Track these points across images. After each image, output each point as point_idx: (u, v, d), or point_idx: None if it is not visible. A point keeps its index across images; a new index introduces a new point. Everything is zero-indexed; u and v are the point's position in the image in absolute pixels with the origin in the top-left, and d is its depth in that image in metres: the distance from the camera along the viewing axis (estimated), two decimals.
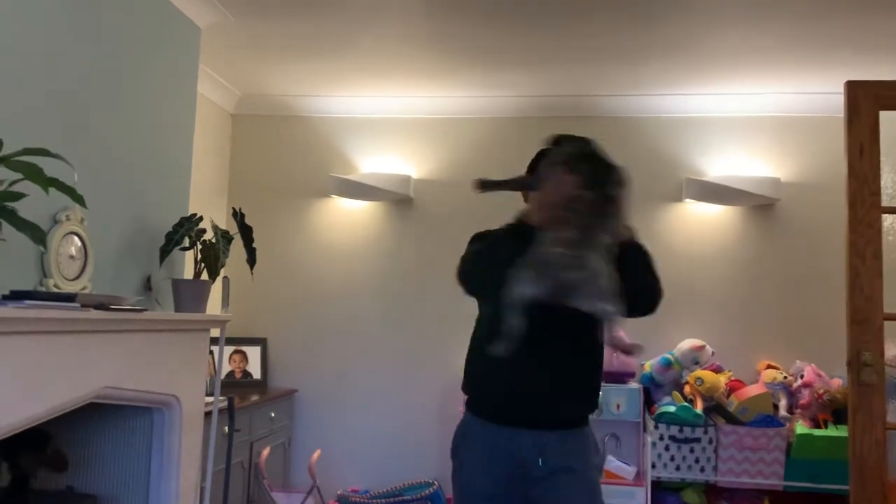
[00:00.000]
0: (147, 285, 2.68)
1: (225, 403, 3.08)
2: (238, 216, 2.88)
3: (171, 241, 2.65)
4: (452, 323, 4.19)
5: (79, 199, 1.78)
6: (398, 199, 4.28)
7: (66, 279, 2.26)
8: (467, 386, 2.07)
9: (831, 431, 3.40)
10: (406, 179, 4.25)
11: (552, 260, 1.71)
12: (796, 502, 3.51)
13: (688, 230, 4.06)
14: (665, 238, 4.06)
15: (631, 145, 4.10)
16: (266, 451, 3.62)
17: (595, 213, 1.77)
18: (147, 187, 2.76)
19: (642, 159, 4.08)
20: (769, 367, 3.77)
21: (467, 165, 4.28)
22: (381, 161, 4.33)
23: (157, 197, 2.82)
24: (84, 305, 1.95)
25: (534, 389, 1.94)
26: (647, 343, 3.84)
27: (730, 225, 4.04)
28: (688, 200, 4.02)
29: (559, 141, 2.02)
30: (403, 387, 4.15)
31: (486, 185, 2.03)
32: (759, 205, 3.98)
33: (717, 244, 4.04)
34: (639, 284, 1.86)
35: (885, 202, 2.61)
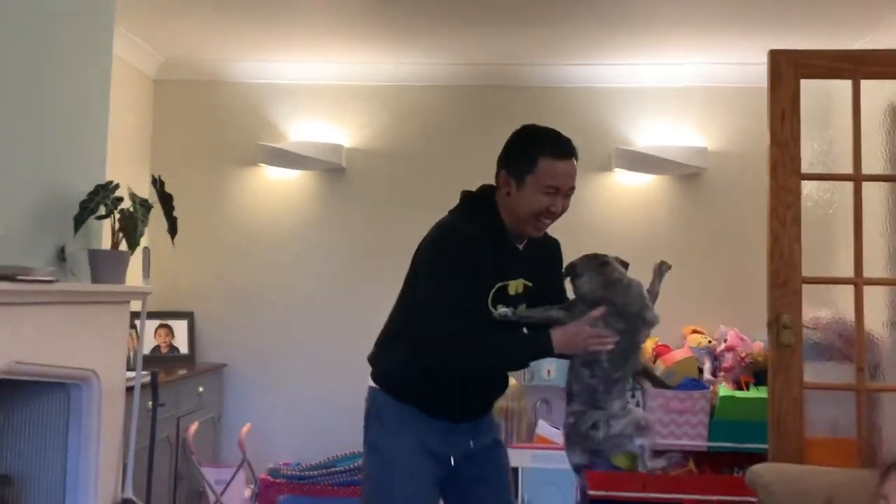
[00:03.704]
0: (61, 256, 2.55)
1: (148, 378, 2.98)
2: (157, 184, 2.77)
3: (86, 210, 2.51)
4: (383, 294, 4.14)
5: None
6: (330, 169, 4.20)
7: None
8: None
9: (753, 393, 3.51)
10: (338, 148, 4.17)
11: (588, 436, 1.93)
12: (719, 462, 3.63)
13: (617, 199, 4.11)
14: (594, 207, 4.10)
15: (562, 114, 4.10)
16: (194, 426, 3.54)
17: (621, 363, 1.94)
18: (59, 154, 2.61)
19: (573, 129, 3.95)
20: (694, 331, 3.87)
21: (401, 134, 4.23)
22: (311, 129, 4.23)
23: (71, 164, 2.68)
24: None
25: None
26: None
27: (657, 194, 4.11)
28: (617, 170, 4.07)
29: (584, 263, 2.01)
30: (335, 359, 4.10)
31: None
32: (687, 174, 4.05)
33: (645, 213, 4.11)
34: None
35: (804, 169, 2.68)
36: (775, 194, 2.64)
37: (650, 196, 4.11)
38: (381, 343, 2.17)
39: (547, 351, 1.89)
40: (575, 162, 1.98)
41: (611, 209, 4.10)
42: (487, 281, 1.94)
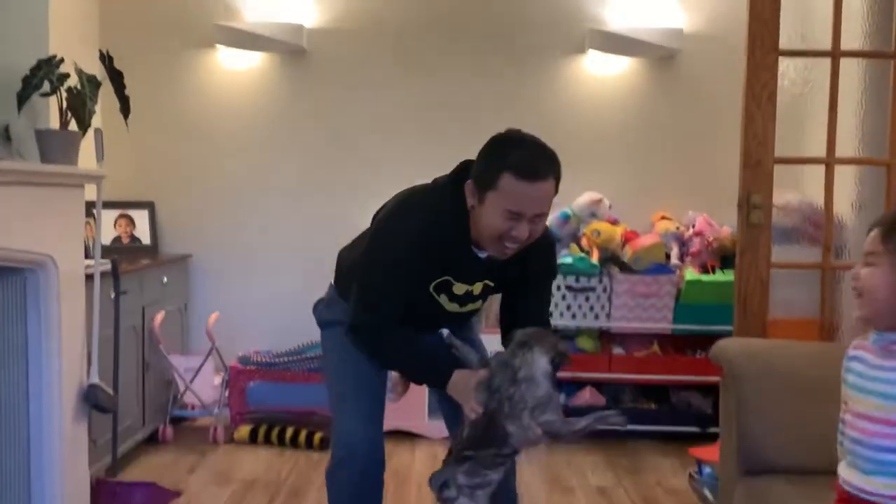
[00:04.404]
0: (5, 135, 2.41)
1: (108, 266, 2.90)
2: (106, 59, 2.61)
3: (29, 86, 2.37)
4: (348, 180, 4.07)
5: None
6: (290, 51, 4.01)
7: None
8: None
9: (718, 277, 3.55)
10: (298, 29, 3.96)
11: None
12: (683, 344, 3.72)
13: (589, 83, 4.01)
14: (567, 91, 4.01)
15: None
16: (159, 316, 3.50)
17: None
18: None
19: (546, 9, 3.96)
20: (663, 218, 3.87)
21: (365, 14, 4.02)
22: (269, 7, 4.00)
23: (9, 39, 2.51)
24: None
25: None
26: None
27: (630, 78, 4.02)
28: (591, 52, 3.95)
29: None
30: (301, 246, 4.05)
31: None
32: (661, 56, 3.95)
33: (618, 97, 4.02)
34: None
35: (781, 46, 2.60)
36: (752, 72, 2.57)
37: (623, 80, 4.01)
38: (345, 254, 2.09)
39: (440, 385, 1.83)
40: (549, 183, 1.70)
41: (582, 93, 4.01)
42: (432, 273, 1.83)
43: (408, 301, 1.84)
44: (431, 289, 1.85)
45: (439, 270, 1.83)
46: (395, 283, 1.80)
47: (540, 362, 1.70)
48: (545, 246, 1.89)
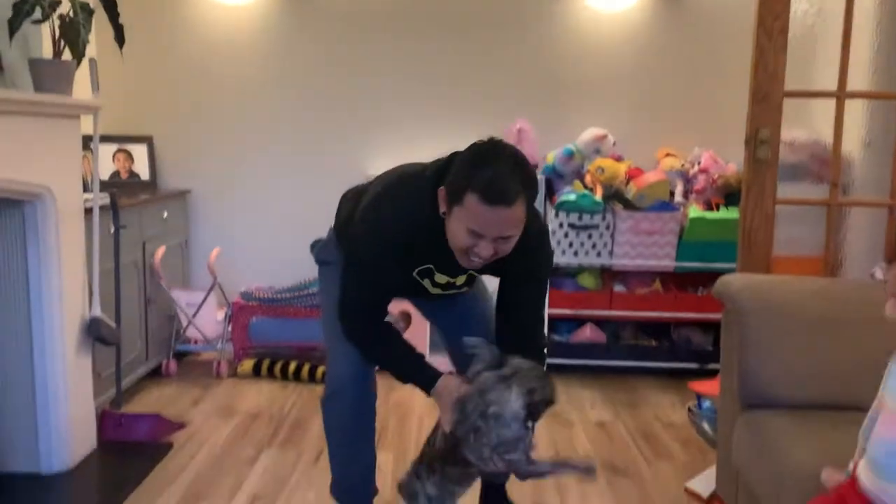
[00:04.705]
0: None
1: (107, 200, 2.88)
2: None
3: (21, 13, 2.30)
4: (351, 115, 4.01)
5: None
6: None
7: None
8: None
9: (723, 214, 3.52)
10: None
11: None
12: (685, 281, 3.71)
13: (595, 16, 3.91)
14: (572, 24, 3.91)
15: None
16: (160, 251, 3.49)
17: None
18: None
19: None
20: (668, 155, 3.82)
21: None
22: None
23: None
24: None
25: None
26: (549, 134, 3.83)
27: (637, 10, 3.91)
28: None
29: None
30: (302, 181, 4.02)
31: None
32: None
33: (624, 31, 3.92)
34: None
35: None
36: (763, 3, 2.49)
37: (630, 12, 3.90)
38: (345, 202, 2.07)
39: (424, 389, 1.83)
40: (515, 208, 1.61)
41: (587, 28, 3.90)
42: (415, 261, 1.84)
43: (393, 282, 1.87)
44: (415, 273, 1.88)
45: (422, 260, 1.84)
46: (378, 275, 1.81)
47: (513, 404, 1.66)
48: (532, 247, 1.80)
